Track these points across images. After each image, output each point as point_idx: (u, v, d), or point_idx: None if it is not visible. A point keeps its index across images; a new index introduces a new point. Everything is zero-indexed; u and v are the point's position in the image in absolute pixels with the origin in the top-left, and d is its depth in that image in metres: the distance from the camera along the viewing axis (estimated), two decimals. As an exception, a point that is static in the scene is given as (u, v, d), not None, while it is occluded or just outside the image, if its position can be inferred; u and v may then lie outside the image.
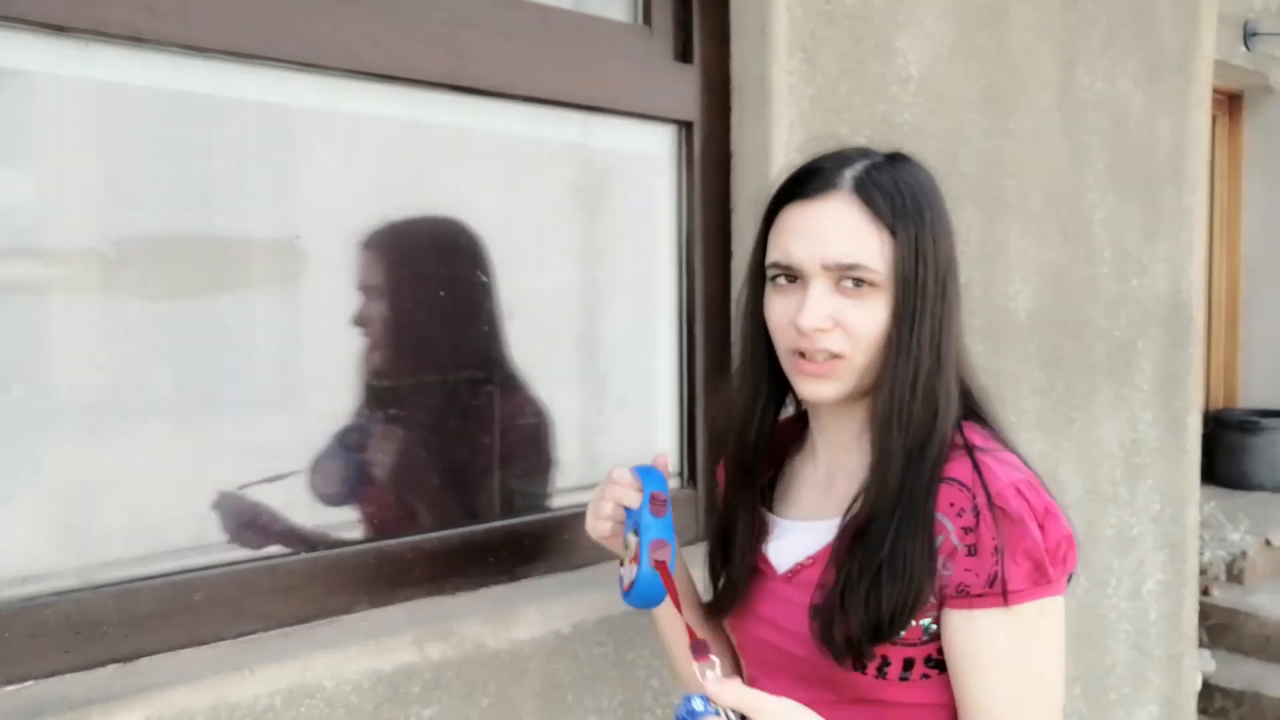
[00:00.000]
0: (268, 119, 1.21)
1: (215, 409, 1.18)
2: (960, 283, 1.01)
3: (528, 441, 1.47)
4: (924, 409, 0.94)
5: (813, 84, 1.57)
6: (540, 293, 1.45)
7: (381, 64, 1.24)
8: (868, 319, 0.94)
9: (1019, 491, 0.91)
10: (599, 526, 1.09)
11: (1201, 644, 3.73)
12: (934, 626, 0.93)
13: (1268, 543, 4.17)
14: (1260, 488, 4.79)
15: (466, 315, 1.39)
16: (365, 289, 1.28)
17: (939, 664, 0.94)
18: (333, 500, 1.28)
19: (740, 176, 1.57)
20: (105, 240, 1.10)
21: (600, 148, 1.50)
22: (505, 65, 1.34)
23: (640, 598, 1.03)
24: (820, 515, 1.02)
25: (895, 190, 0.94)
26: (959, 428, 0.97)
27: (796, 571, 1.01)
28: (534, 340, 1.44)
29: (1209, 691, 3.59)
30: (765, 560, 1.05)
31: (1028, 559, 0.89)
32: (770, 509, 1.08)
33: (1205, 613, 3.82)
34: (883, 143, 1.59)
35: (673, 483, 1.35)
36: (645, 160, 1.55)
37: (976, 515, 0.90)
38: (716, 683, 0.84)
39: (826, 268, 0.93)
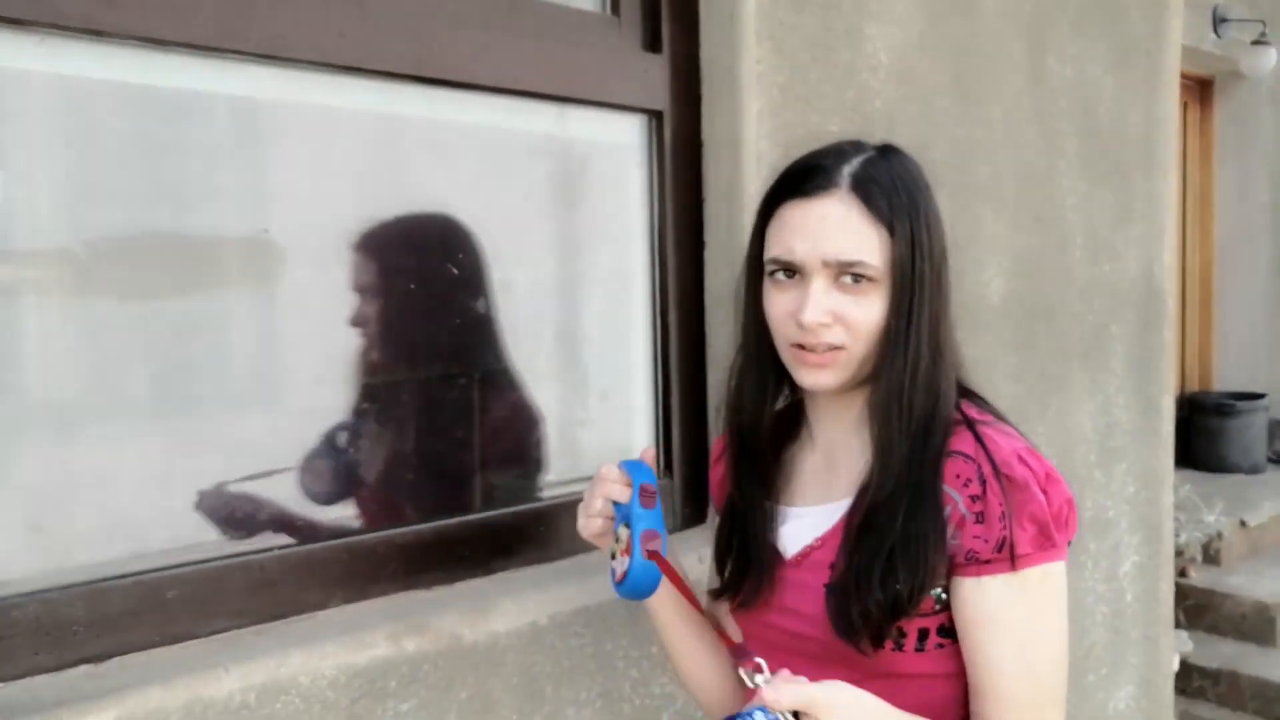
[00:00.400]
0: (234, 113, 1.20)
1: (189, 408, 1.17)
2: (951, 269, 1.03)
3: (509, 437, 1.47)
4: (924, 396, 0.97)
5: (782, 72, 1.57)
6: (515, 286, 1.44)
7: (348, 56, 1.23)
8: (867, 313, 0.96)
9: (1021, 459, 0.95)
10: (590, 524, 1.10)
11: (1179, 625, 3.78)
12: (945, 595, 0.96)
13: (1243, 524, 4.22)
14: (1236, 470, 4.85)
15: (455, 311, 1.38)
16: (360, 289, 1.28)
17: (951, 632, 0.96)
18: (321, 499, 1.28)
19: (711, 165, 1.57)
20: (76, 239, 1.08)
21: (570, 138, 1.49)
22: (473, 56, 1.33)
23: (633, 588, 1.03)
24: (823, 500, 1.04)
25: (892, 186, 0.97)
26: (957, 406, 1.00)
27: (805, 555, 1.03)
28: (512, 334, 1.44)
29: (1187, 671, 3.63)
30: (772, 548, 1.06)
31: (1033, 523, 0.93)
32: (772, 498, 1.10)
33: (1183, 594, 3.87)
34: (855, 132, 1.61)
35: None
36: (615, 150, 1.54)
37: (983, 483, 0.93)
38: (774, 687, 0.83)
39: (827, 264, 0.96)
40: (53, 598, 1.04)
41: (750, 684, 0.83)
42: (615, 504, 1.07)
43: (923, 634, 0.96)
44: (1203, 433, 4.91)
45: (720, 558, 1.12)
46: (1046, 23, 2.09)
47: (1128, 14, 2.30)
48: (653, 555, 1.02)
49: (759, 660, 0.86)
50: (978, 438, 0.96)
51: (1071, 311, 2.20)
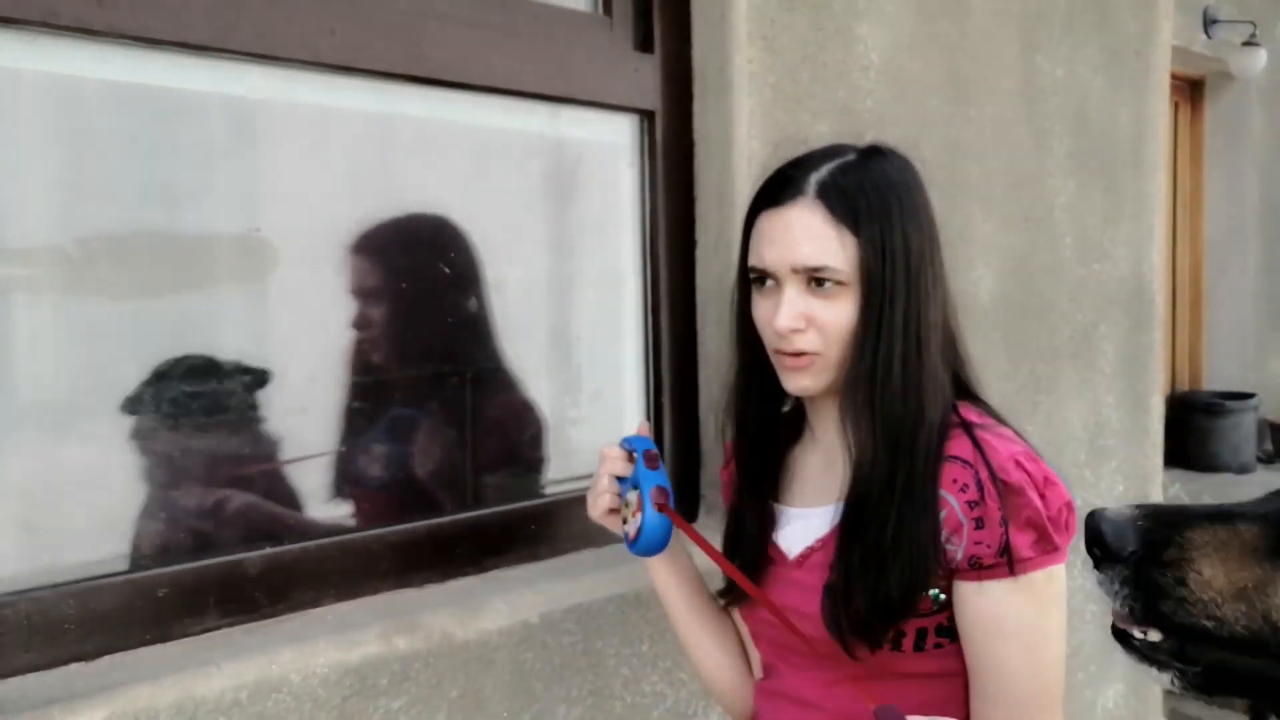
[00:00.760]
0: (226, 112, 1.20)
1: (180, 408, 1.17)
2: (943, 269, 1.03)
3: (502, 436, 1.47)
4: (902, 401, 0.97)
5: (774, 71, 1.57)
6: (508, 285, 1.45)
7: (339, 55, 1.23)
8: (838, 316, 0.98)
9: (1019, 463, 0.95)
10: (599, 503, 1.12)
11: (1169, 623, 3.80)
12: (943, 596, 0.96)
13: (1232, 522, 4.24)
14: (1225, 469, 4.88)
15: (450, 311, 1.39)
16: (358, 292, 1.29)
17: (949, 632, 0.97)
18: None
19: (703, 165, 1.58)
20: (68, 238, 1.09)
21: (562, 138, 1.50)
22: (465, 55, 1.34)
23: (647, 542, 1.06)
24: (824, 501, 1.05)
25: (859, 190, 0.98)
26: (954, 409, 1.01)
27: (806, 556, 1.04)
28: (505, 334, 1.44)
29: (1176, 669, 3.66)
30: (776, 548, 1.08)
31: (1032, 528, 0.93)
32: (776, 499, 1.11)
33: (1172, 592, 3.88)
34: (845, 131, 1.61)
35: None
36: (608, 150, 1.55)
37: (980, 489, 0.94)
38: None
39: (796, 271, 0.98)
40: (44, 596, 1.04)
41: None
42: (620, 480, 1.11)
43: (921, 634, 0.97)
44: (1193, 432, 4.93)
45: (729, 557, 1.13)
46: (1037, 23, 2.10)
47: (1118, 14, 2.32)
48: (663, 508, 1.05)
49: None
50: (975, 442, 0.97)
51: (1061, 310, 2.21)
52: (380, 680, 1.18)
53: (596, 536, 1.46)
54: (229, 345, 1.21)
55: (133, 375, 1.13)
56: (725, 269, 1.51)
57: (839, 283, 0.97)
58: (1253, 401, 5.01)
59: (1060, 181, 2.19)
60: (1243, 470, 4.92)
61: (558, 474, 1.51)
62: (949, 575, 0.95)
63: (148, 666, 1.06)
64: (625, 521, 1.11)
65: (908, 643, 0.97)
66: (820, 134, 1.60)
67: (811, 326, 0.98)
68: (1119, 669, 2.43)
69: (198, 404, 1.17)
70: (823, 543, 1.03)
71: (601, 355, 1.57)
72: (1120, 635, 0.79)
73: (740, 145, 1.53)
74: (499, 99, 1.40)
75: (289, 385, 1.26)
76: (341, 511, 1.30)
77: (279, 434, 1.25)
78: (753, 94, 1.54)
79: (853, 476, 0.99)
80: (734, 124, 1.52)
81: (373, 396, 1.33)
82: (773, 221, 1.00)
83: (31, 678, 1.02)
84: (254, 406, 1.23)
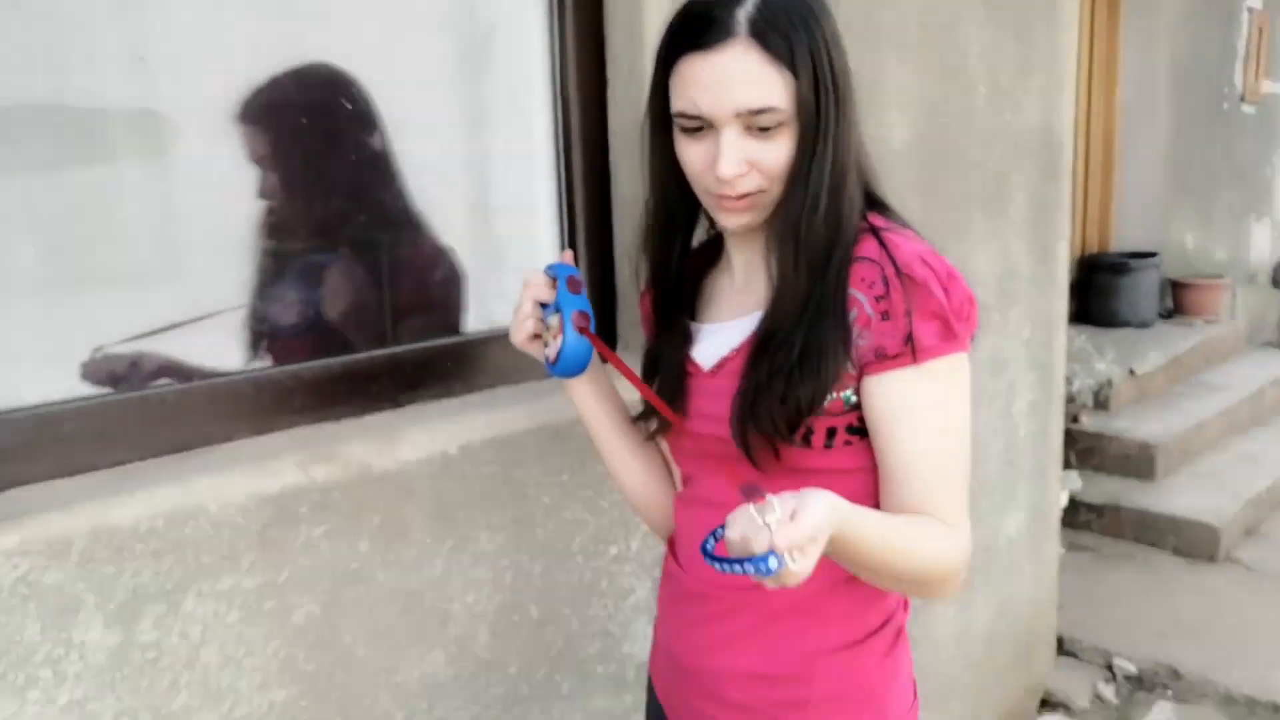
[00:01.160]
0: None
1: (85, 284, 1.13)
2: (855, 90, 1.02)
3: (414, 274, 1.46)
4: (825, 226, 0.99)
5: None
6: (410, 126, 1.41)
7: None
8: (778, 154, 0.98)
9: (923, 260, 0.98)
10: (523, 328, 1.13)
11: (1070, 466, 4.03)
12: (854, 398, 1.00)
13: (1131, 372, 4.47)
14: (1128, 324, 5.10)
15: (353, 152, 1.35)
16: (258, 160, 1.25)
17: (859, 431, 1.01)
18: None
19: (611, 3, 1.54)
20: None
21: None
22: None
23: (568, 362, 1.09)
24: (739, 314, 1.08)
25: (789, 24, 0.95)
26: (864, 216, 1.03)
27: (722, 365, 1.07)
28: (413, 175, 1.41)
29: (1075, 507, 3.90)
30: (692, 362, 1.10)
31: (935, 318, 0.97)
32: (694, 318, 1.14)
33: (1073, 438, 4.11)
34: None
35: None
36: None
37: (886, 284, 0.97)
38: (784, 529, 0.75)
39: (738, 115, 0.96)
40: (-59, 427, 1.02)
41: (761, 522, 0.76)
42: (543, 306, 1.12)
43: (830, 432, 1.01)
44: (1099, 291, 5.13)
45: (647, 380, 1.16)
46: None
47: None
48: (583, 331, 1.08)
49: (769, 496, 0.78)
50: (881, 243, 0.99)
51: (973, 159, 2.24)
52: (300, 508, 1.19)
53: (514, 373, 1.48)
54: (134, 221, 1.17)
55: (31, 253, 1.09)
56: (637, 111, 1.50)
57: (780, 123, 0.96)
58: (1155, 259, 5.21)
59: (975, 29, 2.19)
60: (1144, 325, 5.15)
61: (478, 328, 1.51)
62: (859, 374, 0.99)
63: (57, 497, 1.05)
64: (546, 345, 1.13)
65: (817, 439, 1.01)
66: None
67: (753, 169, 0.98)
68: (1021, 500, 2.59)
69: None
70: (737, 352, 1.06)
71: (515, 196, 1.55)
72: None
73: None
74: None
75: (196, 244, 1.23)
76: (256, 355, 1.29)
77: (188, 296, 1.23)
78: (661, -80, 1.49)
79: (773, 299, 1.01)
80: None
81: (283, 242, 1.30)
82: (703, 66, 0.96)
83: (-64, 509, 1.01)
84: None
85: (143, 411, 1.15)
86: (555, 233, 1.58)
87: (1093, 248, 5.43)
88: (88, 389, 1.14)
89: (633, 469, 1.22)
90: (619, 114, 1.56)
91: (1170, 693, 2.95)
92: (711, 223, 1.14)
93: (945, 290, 0.97)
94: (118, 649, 1.06)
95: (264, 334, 1.30)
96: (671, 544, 1.21)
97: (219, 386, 1.22)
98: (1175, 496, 3.89)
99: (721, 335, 1.09)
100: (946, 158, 2.17)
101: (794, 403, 0.98)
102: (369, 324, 1.40)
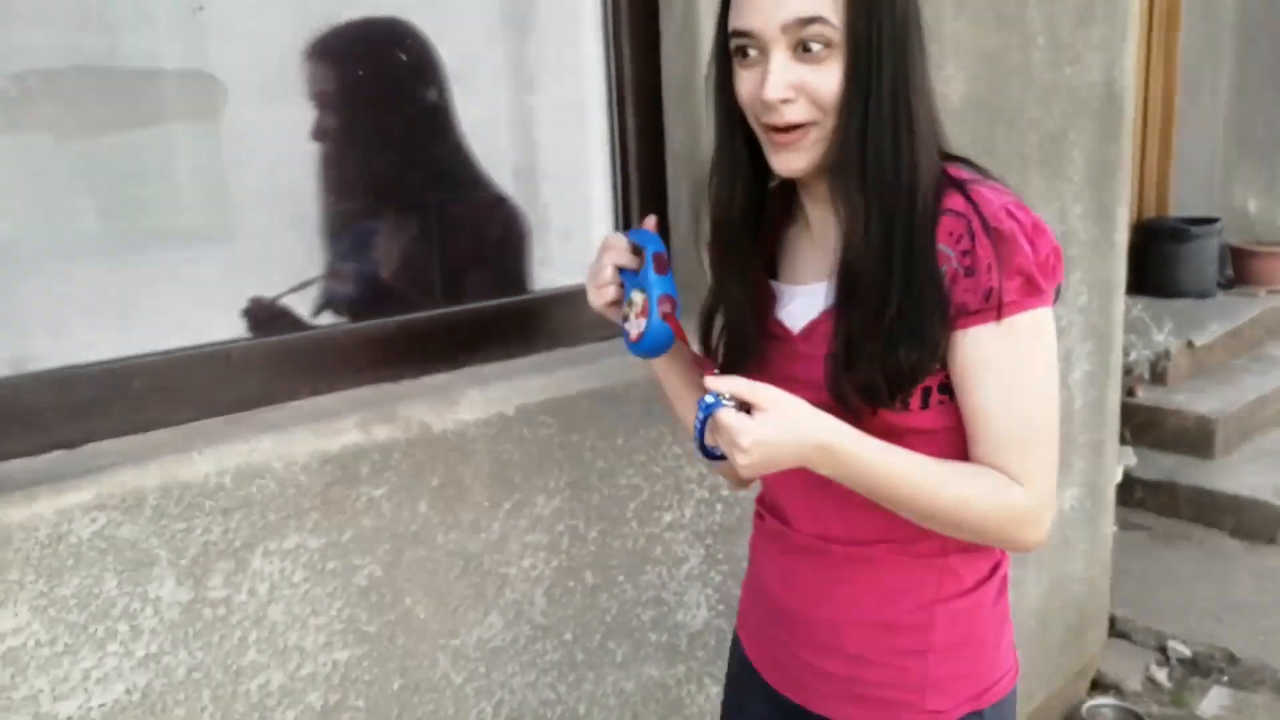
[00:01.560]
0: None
1: (145, 244, 1.15)
2: (925, 35, 0.99)
3: (477, 235, 1.46)
4: (895, 167, 0.95)
5: None
6: (467, 77, 1.40)
7: None
8: (829, 82, 0.94)
9: (1010, 213, 0.96)
10: (603, 294, 1.11)
11: (1125, 441, 3.94)
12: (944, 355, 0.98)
13: (1190, 344, 4.35)
14: (1186, 294, 4.95)
15: (425, 117, 1.34)
16: (317, 100, 1.24)
17: (950, 389, 0.99)
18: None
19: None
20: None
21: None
22: None
23: (650, 346, 1.07)
24: (819, 277, 1.05)
25: None
26: (942, 170, 1.00)
27: (812, 330, 1.05)
28: (469, 130, 1.41)
29: (1130, 484, 3.81)
30: (780, 325, 1.08)
31: (1020, 274, 0.94)
32: (775, 277, 1.11)
33: (1130, 412, 4.01)
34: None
35: None
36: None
37: (972, 238, 0.95)
38: (715, 379, 0.92)
39: (785, 29, 0.93)
40: (20, 383, 1.04)
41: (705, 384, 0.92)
42: (625, 272, 1.10)
43: (925, 393, 0.99)
44: (1157, 258, 4.98)
45: (704, 340, 1.15)
46: None
47: None
48: (668, 318, 1.06)
49: (714, 368, 0.90)
50: (966, 196, 0.97)
51: (1031, 116, 2.18)
52: (361, 468, 1.21)
53: (571, 335, 1.47)
54: (191, 180, 1.18)
55: (90, 214, 1.11)
56: (692, 61, 1.48)
57: (828, 44, 0.93)
58: (1216, 226, 5.05)
59: (1034, -20, 2.13)
60: (1203, 295, 5.00)
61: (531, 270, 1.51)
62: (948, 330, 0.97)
63: (130, 453, 1.07)
64: (625, 319, 1.10)
65: (914, 402, 0.99)
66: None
67: (801, 95, 0.95)
68: (1077, 474, 2.54)
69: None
70: (826, 315, 1.03)
71: (566, 152, 1.54)
72: None
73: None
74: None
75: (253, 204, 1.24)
76: (316, 309, 1.30)
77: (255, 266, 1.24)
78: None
79: (843, 248, 0.98)
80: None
81: (339, 199, 1.30)
82: None
83: (15, 463, 1.03)
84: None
85: (209, 369, 1.17)
86: (608, 189, 1.57)
87: (1149, 212, 5.27)
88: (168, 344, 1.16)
89: None
90: (672, 64, 1.54)
91: (1226, 678, 2.88)
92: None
93: (1031, 243, 0.95)
94: (189, 605, 1.09)
95: (328, 294, 1.30)
96: (763, 502, 1.20)
97: (281, 344, 1.23)
98: (1234, 475, 3.78)
99: (807, 299, 1.06)
100: (1003, 114, 2.11)
101: (895, 368, 0.95)
102: (427, 283, 1.40)
